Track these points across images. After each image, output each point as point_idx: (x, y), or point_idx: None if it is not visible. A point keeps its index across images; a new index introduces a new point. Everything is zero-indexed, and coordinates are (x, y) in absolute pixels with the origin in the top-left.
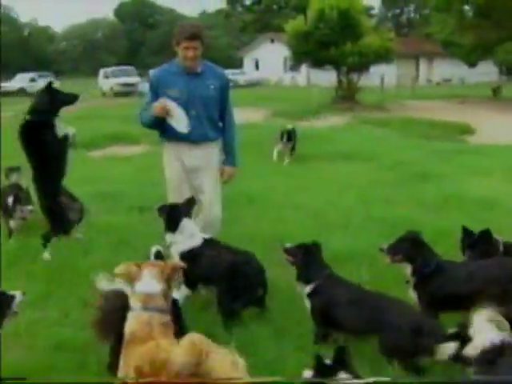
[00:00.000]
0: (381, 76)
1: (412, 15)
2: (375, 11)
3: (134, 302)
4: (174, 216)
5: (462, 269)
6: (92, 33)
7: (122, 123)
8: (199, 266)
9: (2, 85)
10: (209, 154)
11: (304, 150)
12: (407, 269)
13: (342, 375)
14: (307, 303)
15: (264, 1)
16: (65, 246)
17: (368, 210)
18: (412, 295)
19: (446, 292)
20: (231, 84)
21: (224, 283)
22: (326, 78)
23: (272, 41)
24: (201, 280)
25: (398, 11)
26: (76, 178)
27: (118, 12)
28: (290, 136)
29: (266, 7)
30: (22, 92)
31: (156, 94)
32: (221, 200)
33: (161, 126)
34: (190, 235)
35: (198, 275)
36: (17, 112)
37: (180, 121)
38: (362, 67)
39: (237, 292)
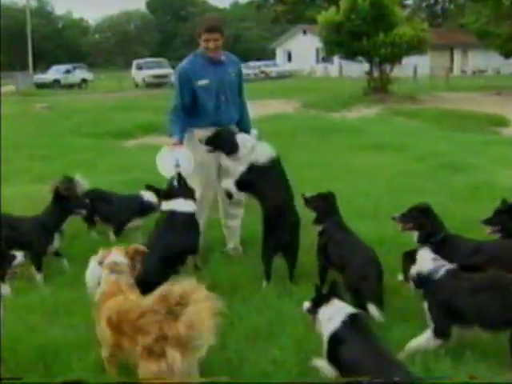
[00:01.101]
0: (414, 67)
1: (446, 5)
2: (409, 1)
3: (104, 271)
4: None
5: (469, 244)
6: (124, 25)
7: (154, 114)
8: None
9: (38, 76)
10: None
11: (335, 140)
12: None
13: (335, 301)
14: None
15: None
16: (100, 230)
17: (398, 199)
18: None
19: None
20: (263, 75)
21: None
22: (359, 69)
23: (304, 32)
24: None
25: (432, 1)
26: (110, 167)
27: (150, 4)
28: None
29: None
30: (57, 83)
31: (187, 86)
32: None
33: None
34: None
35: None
36: (51, 103)
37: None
38: (395, 58)
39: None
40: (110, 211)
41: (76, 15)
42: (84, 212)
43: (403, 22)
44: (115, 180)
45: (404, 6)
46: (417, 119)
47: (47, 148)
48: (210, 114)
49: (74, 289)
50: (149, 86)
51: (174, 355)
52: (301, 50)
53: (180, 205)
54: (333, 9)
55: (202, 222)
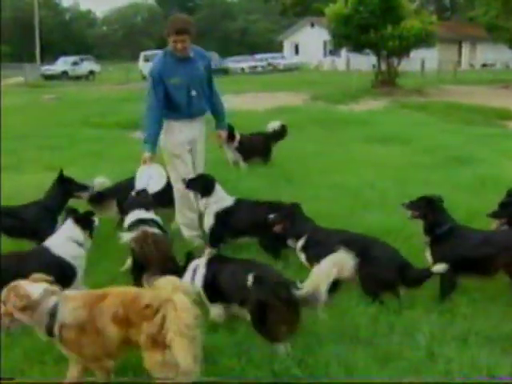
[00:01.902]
0: (421, 60)
1: None
2: None
3: None
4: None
5: (476, 235)
6: (132, 17)
7: None
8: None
9: (46, 68)
10: (201, 124)
11: (342, 132)
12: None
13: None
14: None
15: None
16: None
17: (404, 191)
18: (427, 256)
19: (457, 254)
20: (270, 68)
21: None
22: (366, 62)
23: (312, 25)
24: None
25: None
26: (118, 157)
27: None
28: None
29: None
30: (64, 75)
31: (160, 85)
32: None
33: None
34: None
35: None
36: (59, 94)
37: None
38: (403, 51)
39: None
40: None
41: (83, 7)
42: (85, 194)
43: (411, 15)
44: (124, 170)
45: None
46: (424, 112)
47: (56, 138)
48: (182, 108)
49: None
50: None
51: (178, 346)
52: (308, 43)
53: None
54: (341, 1)
55: (182, 218)
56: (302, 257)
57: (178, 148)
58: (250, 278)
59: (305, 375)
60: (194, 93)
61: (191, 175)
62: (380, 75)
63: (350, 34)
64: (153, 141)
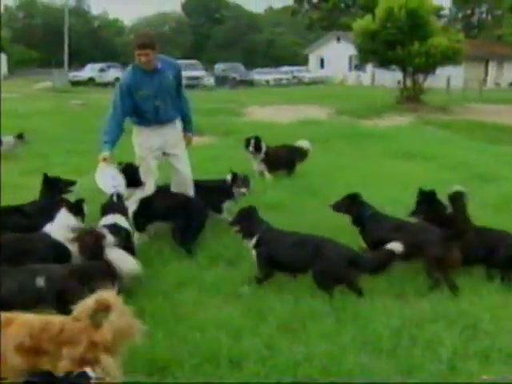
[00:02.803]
0: (447, 78)
1: (483, 16)
2: (445, 12)
3: None
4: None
5: (391, 221)
6: (159, 26)
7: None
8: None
9: (73, 74)
10: (173, 129)
11: (367, 147)
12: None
13: None
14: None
15: None
16: None
17: None
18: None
19: (377, 237)
20: (295, 81)
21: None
22: (391, 77)
23: (338, 39)
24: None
25: (468, 12)
26: None
27: (186, 6)
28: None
29: (333, 5)
30: (91, 81)
31: (128, 97)
32: (188, 162)
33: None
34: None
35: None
36: (86, 100)
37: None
38: (429, 68)
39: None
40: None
41: (112, 16)
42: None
43: (438, 32)
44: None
45: (440, 16)
46: (448, 129)
47: (83, 143)
48: (149, 117)
49: None
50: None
51: (107, 360)
52: (334, 57)
53: (118, 220)
54: (368, 17)
55: None
56: (253, 254)
57: (144, 152)
58: None
59: (327, 383)
60: (158, 102)
61: (152, 176)
62: (405, 91)
63: (377, 50)
64: (113, 142)
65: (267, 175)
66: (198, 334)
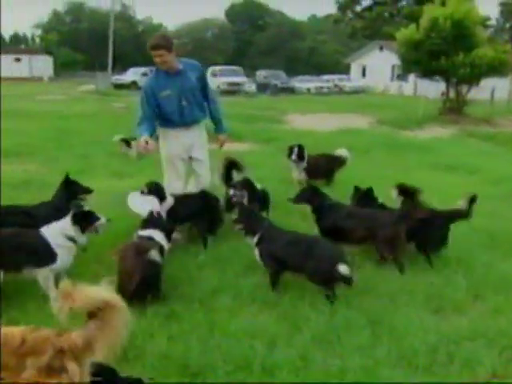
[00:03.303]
0: (491, 90)
1: None
2: (492, 22)
3: None
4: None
5: (346, 209)
6: (202, 32)
7: (227, 120)
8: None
9: (116, 77)
10: (199, 132)
11: (407, 158)
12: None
13: None
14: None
15: (376, 8)
16: None
17: (469, 221)
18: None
19: (332, 224)
20: (337, 89)
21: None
22: (434, 88)
23: (381, 48)
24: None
25: None
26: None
27: (229, 13)
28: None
29: (377, 14)
30: (133, 85)
31: (152, 99)
32: (209, 167)
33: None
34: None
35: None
36: (128, 104)
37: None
38: (473, 79)
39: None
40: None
41: (156, 21)
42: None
43: (484, 43)
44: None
45: (486, 27)
46: (492, 142)
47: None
48: (175, 118)
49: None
50: (223, 93)
51: (73, 368)
52: (376, 66)
53: (153, 234)
54: (412, 26)
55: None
56: (256, 251)
57: (171, 154)
58: None
59: None
60: (184, 103)
61: (180, 179)
62: (448, 102)
63: (420, 60)
64: (150, 130)
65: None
66: (232, 341)
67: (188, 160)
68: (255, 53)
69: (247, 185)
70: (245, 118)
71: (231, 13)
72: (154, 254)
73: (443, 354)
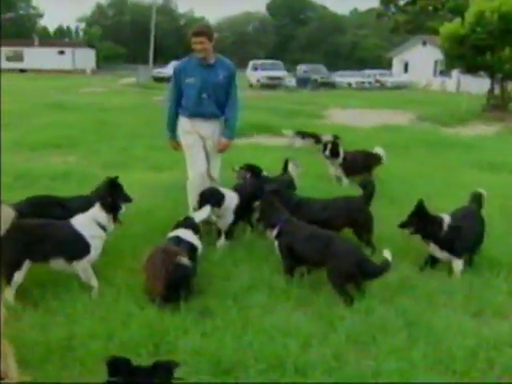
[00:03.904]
0: None
1: None
2: None
3: None
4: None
5: (318, 204)
6: (243, 25)
7: (267, 114)
8: None
9: (157, 70)
10: (215, 126)
11: (448, 156)
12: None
13: None
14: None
15: (419, 2)
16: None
17: (511, 221)
18: None
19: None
20: (378, 84)
21: None
22: (477, 84)
23: (424, 43)
24: None
25: None
26: (225, 163)
27: (271, 6)
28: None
29: (420, 8)
30: None
31: (179, 79)
32: (220, 163)
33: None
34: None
35: None
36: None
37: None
38: None
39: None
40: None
41: (198, 14)
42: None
43: None
44: (228, 176)
45: None
46: None
47: (163, 139)
48: (192, 107)
49: None
50: (263, 86)
51: None
52: (418, 62)
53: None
54: (457, 20)
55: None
56: (276, 244)
57: (189, 138)
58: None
59: None
60: (204, 95)
61: (198, 166)
62: (492, 99)
63: (465, 55)
64: (173, 128)
65: (345, 180)
66: (265, 338)
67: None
68: (296, 47)
69: (252, 169)
70: (285, 112)
71: (272, 6)
72: (181, 258)
73: (483, 359)
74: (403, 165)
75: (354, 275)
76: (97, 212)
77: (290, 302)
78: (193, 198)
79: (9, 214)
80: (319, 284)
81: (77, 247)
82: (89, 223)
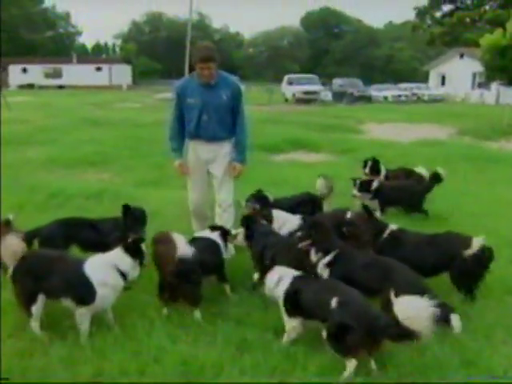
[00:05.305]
0: None
1: None
2: None
3: None
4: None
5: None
6: (278, 40)
7: (303, 129)
8: None
9: None
10: (219, 149)
11: (492, 171)
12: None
13: None
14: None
15: (456, 14)
16: None
17: None
18: None
19: None
20: (414, 98)
21: None
22: None
23: (461, 55)
24: None
25: None
26: (260, 180)
27: (305, 21)
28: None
29: (457, 20)
30: None
31: (180, 99)
32: (232, 187)
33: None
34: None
35: None
36: None
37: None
38: None
39: None
40: None
41: (233, 29)
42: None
43: None
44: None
45: None
46: None
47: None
48: (191, 129)
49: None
50: (298, 101)
51: None
52: (456, 74)
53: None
54: (498, 31)
55: (195, 225)
56: (326, 272)
57: (189, 163)
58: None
59: None
60: (204, 117)
61: (195, 190)
62: None
63: (507, 67)
64: (179, 149)
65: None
66: (312, 377)
67: (207, 174)
68: (331, 61)
69: (259, 199)
70: (321, 127)
71: (307, 21)
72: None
73: None
74: (445, 182)
75: None
76: (118, 256)
77: None
78: (195, 227)
79: (18, 246)
80: None
81: (79, 292)
82: (103, 268)
